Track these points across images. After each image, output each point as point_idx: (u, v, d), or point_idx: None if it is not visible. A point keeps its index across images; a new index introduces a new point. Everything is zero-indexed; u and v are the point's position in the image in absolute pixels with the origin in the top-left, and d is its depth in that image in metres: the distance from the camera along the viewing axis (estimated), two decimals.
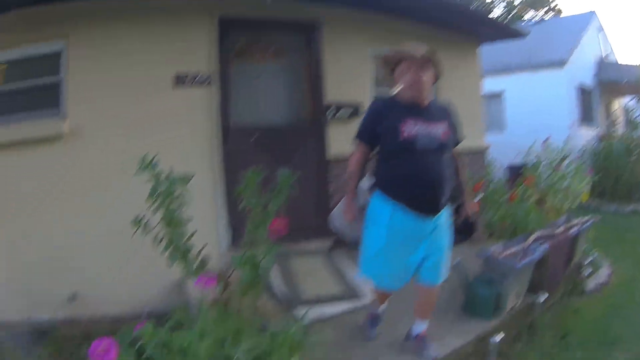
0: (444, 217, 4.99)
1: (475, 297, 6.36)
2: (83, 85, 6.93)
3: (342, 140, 8.52)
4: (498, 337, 5.72)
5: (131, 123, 7.05)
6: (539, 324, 6.84)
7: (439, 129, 4.84)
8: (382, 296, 5.63)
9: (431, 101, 5.03)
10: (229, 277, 5.45)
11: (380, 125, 4.96)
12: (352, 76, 9.17)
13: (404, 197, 4.81)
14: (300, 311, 5.61)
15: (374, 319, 5.78)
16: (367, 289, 6.85)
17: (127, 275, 6.81)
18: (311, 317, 5.92)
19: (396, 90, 4.94)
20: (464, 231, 5.62)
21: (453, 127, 5.05)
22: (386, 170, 5.06)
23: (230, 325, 4.75)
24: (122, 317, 6.35)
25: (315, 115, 8.67)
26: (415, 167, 4.76)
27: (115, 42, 7.15)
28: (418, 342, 5.37)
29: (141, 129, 6.99)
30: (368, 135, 5.13)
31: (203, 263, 5.20)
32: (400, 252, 4.90)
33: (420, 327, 5.39)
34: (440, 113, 5.02)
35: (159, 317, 4.58)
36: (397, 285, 5.14)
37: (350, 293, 6.92)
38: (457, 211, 5.39)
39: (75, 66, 6.98)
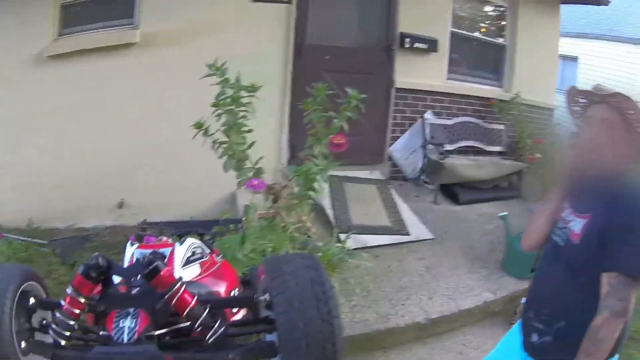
0: None
1: (514, 253, 6.27)
2: None
3: (411, 71, 8.66)
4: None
5: (202, 33, 7.05)
6: None
7: (576, 224, 2.70)
8: None
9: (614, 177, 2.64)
10: (282, 189, 5.55)
11: None
12: (431, 10, 9.02)
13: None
14: (345, 236, 5.58)
15: None
16: (414, 227, 7.03)
17: (178, 184, 6.99)
18: (354, 243, 6.10)
19: None
20: None
21: (609, 230, 2.48)
22: None
23: (273, 237, 4.91)
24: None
25: (389, 43, 8.60)
26: (535, 276, 3.17)
27: None
28: None
29: (212, 39, 6.98)
30: None
31: (259, 172, 5.23)
32: None
33: None
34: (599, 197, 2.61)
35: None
36: None
37: (398, 227, 6.96)
38: None
39: None
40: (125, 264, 2.45)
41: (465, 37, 9.92)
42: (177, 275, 2.30)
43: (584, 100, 2.80)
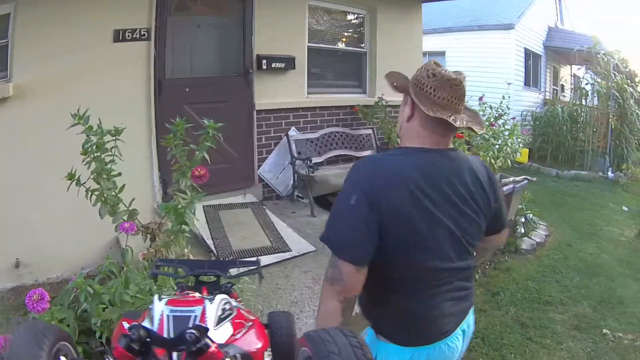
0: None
1: None
2: (28, 46, 6.93)
3: (271, 92, 9.11)
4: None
5: (71, 79, 7.08)
6: None
7: None
8: None
9: None
10: (158, 227, 5.71)
11: None
12: (287, 29, 9.46)
13: None
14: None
15: None
16: (295, 242, 7.39)
17: (65, 237, 6.98)
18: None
19: None
20: None
21: None
22: None
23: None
24: (66, 280, 6.58)
25: (246, 67, 8.92)
26: None
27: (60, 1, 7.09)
28: None
29: (80, 84, 7.03)
30: None
31: (133, 214, 5.38)
32: None
33: None
34: None
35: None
36: None
37: (279, 245, 7.26)
38: None
39: (21, 28, 6.90)
40: (155, 322, 2.32)
41: (323, 50, 10.39)
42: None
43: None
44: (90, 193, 5.12)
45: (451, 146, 2.78)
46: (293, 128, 9.53)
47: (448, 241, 2.65)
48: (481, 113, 11.23)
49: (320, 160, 9.54)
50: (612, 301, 7.05)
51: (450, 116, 2.62)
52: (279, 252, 7.08)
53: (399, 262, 2.61)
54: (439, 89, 2.62)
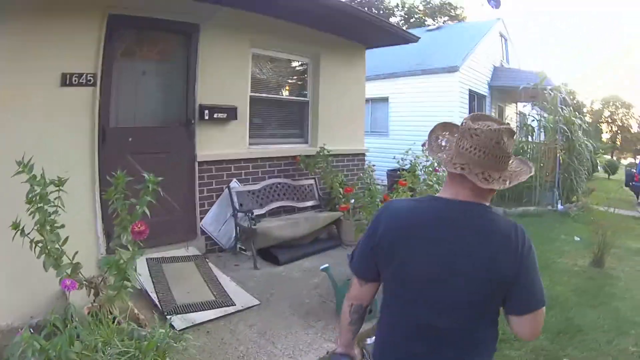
0: None
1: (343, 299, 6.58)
2: None
3: (213, 143, 9.15)
4: (371, 340, 6.01)
5: (16, 124, 6.91)
6: None
7: None
8: None
9: None
10: (101, 282, 5.66)
11: None
12: (230, 78, 9.54)
13: None
14: (173, 317, 5.95)
15: None
16: (239, 296, 7.36)
17: (16, 284, 6.78)
18: (182, 323, 6.33)
19: None
20: None
21: None
22: None
23: (101, 331, 4.98)
24: (17, 329, 6.37)
25: (189, 117, 8.99)
26: None
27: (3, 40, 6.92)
28: None
29: (26, 130, 6.88)
30: None
31: (76, 268, 5.32)
32: None
33: None
34: None
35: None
36: None
37: (222, 299, 7.20)
38: None
39: None
40: None
41: (266, 99, 10.52)
42: None
43: None
44: (34, 245, 5.05)
45: (481, 201, 2.75)
46: (234, 180, 9.58)
47: (425, 290, 2.68)
48: (424, 159, 11.51)
49: (262, 212, 9.61)
50: (571, 330, 7.12)
51: (460, 166, 2.61)
52: (223, 307, 7.00)
53: (385, 286, 2.98)
54: (462, 138, 2.67)
